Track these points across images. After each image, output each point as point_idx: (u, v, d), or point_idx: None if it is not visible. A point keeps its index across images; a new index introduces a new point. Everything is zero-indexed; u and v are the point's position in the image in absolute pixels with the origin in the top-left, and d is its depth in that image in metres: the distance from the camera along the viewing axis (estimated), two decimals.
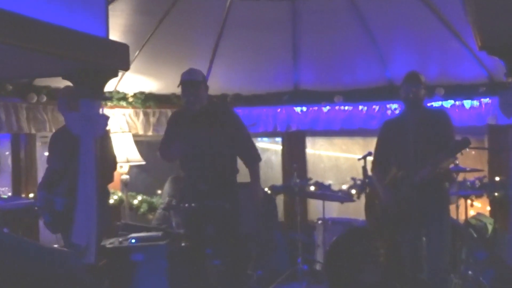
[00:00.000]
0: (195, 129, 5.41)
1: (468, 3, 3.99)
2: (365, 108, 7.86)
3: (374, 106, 7.78)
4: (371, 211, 5.43)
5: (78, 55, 4.87)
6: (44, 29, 4.48)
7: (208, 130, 5.41)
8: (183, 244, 5.66)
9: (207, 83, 5.59)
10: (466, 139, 4.84)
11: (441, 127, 5.19)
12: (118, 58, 5.43)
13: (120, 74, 7.15)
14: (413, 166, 4.94)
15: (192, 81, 5.41)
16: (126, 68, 5.55)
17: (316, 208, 7.79)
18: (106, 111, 7.18)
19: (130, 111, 8.00)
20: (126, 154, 7.64)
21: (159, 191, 8.03)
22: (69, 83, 5.34)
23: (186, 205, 5.43)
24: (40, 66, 5.40)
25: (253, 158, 5.65)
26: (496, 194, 7.23)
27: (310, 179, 7.58)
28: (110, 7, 5.70)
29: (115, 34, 6.33)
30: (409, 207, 5.02)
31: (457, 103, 7.62)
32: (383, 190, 5.21)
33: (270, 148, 8.80)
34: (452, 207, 6.56)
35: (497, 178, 7.21)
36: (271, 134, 8.46)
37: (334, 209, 7.71)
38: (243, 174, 5.68)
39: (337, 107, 8.01)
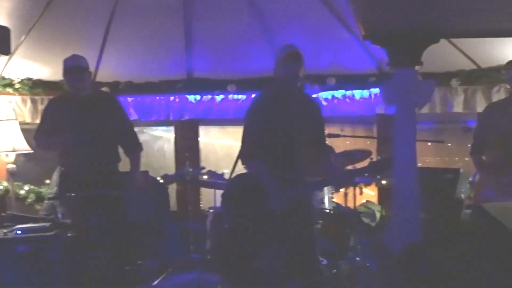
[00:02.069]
0: (79, 117, 5.29)
1: None
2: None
3: None
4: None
5: None
6: None
7: (91, 118, 5.32)
8: (69, 235, 5.54)
9: (97, 70, 5.49)
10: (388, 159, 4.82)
11: (317, 119, 4.87)
12: None
13: (4, 59, 6.97)
14: (288, 156, 4.60)
15: (78, 67, 5.31)
16: (6, 52, 5.37)
17: (209, 197, 7.78)
18: None
19: (17, 98, 7.77)
20: (12, 142, 7.41)
21: (47, 181, 7.81)
22: None
23: (73, 194, 5.34)
24: None
25: (134, 147, 5.61)
26: (384, 182, 7.41)
27: (203, 168, 7.55)
28: None
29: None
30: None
31: (348, 93, 7.78)
32: (273, 187, 4.59)
33: (163, 136, 8.74)
34: (341, 195, 6.76)
35: None
36: (163, 123, 8.40)
37: None
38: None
39: (230, 96, 8.01)
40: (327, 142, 5.09)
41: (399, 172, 4.87)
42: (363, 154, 6.61)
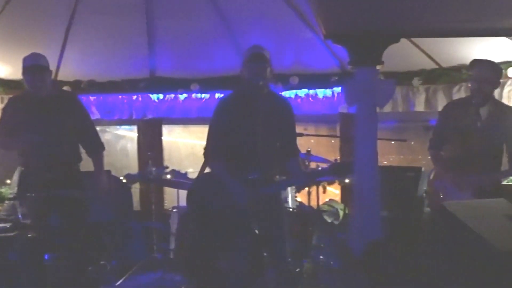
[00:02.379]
0: (39, 116, 5.25)
1: None
2: (222, 96, 7.84)
3: None
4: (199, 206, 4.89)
5: None
6: None
7: (51, 117, 5.28)
8: (29, 235, 5.48)
9: (58, 69, 5.43)
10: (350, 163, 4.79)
11: (286, 119, 4.90)
12: None
13: None
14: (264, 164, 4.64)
15: (38, 66, 5.27)
16: None
17: (173, 197, 7.74)
18: None
19: None
20: None
21: (8, 181, 7.70)
22: None
23: (33, 194, 5.29)
24: None
25: (96, 147, 5.59)
26: (346, 180, 7.44)
27: (167, 167, 7.50)
28: None
29: None
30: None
31: (311, 92, 7.78)
32: (235, 186, 4.60)
33: (126, 136, 8.69)
34: (304, 193, 6.77)
35: None
36: (126, 122, 8.35)
37: None
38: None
39: (193, 95, 7.97)
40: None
41: (360, 170, 4.90)
42: None
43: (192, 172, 7.61)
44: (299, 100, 7.76)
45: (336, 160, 6.86)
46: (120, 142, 8.57)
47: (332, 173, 4.75)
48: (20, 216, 6.49)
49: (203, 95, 7.94)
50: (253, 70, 4.63)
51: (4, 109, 5.68)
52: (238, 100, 4.83)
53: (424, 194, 6.28)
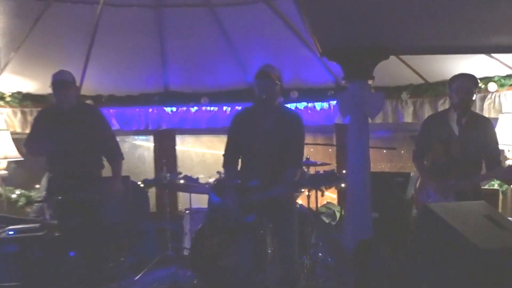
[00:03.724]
0: (64, 127, 5.25)
1: (304, 13, 4.03)
2: (229, 108, 7.81)
3: (237, 107, 7.72)
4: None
5: None
6: None
7: (76, 128, 5.27)
8: (56, 234, 5.46)
9: (81, 85, 5.42)
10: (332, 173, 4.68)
11: (293, 132, 4.82)
12: None
13: None
14: (255, 166, 4.65)
15: (63, 81, 5.29)
16: None
17: (185, 200, 7.71)
18: None
19: (8, 110, 7.62)
20: (4, 150, 7.32)
21: (37, 186, 7.68)
22: None
23: (60, 198, 5.29)
24: None
25: (115, 156, 5.55)
26: (342, 185, 7.37)
27: (180, 173, 7.46)
28: None
29: None
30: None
31: (309, 105, 7.76)
32: (227, 190, 4.66)
33: (143, 145, 8.66)
34: (304, 197, 6.73)
35: (344, 171, 7.31)
36: (143, 132, 8.30)
37: (203, 199, 7.62)
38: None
39: (203, 108, 7.94)
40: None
41: (353, 176, 4.88)
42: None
43: (203, 177, 7.57)
44: (299, 111, 7.70)
45: (318, 172, 6.79)
46: (138, 150, 8.55)
47: (315, 181, 4.61)
48: (47, 217, 6.48)
49: (212, 108, 7.91)
50: (258, 86, 4.69)
51: (35, 119, 5.67)
52: (248, 114, 4.90)
53: (412, 197, 6.22)
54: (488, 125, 5.24)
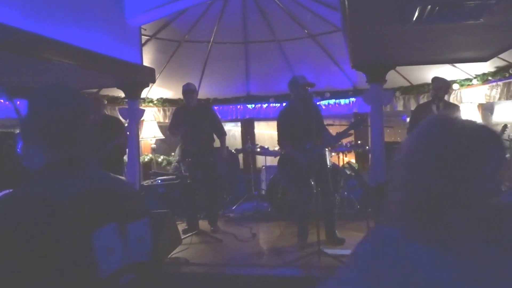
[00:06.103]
0: (191, 118, 5.24)
1: (348, 44, 3.88)
2: (279, 105, 7.65)
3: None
4: (283, 168, 4.59)
5: (127, 74, 4.71)
6: (111, 60, 4.31)
7: (198, 118, 5.25)
8: (188, 182, 5.50)
9: (198, 91, 5.40)
10: (362, 118, 4.55)
11: (319, 114, 4.63)
12: (148, 76, 5.27)
13: (149, 86, 6.95)
14: (313, 138, 4.37)
15: (189, 90, 5.26)
16: (153, 82, 5.39)
17: (261, 160, 7.67)
18: (142, 107, 6.93)
19: (155, 109, 7.68)
20: (154, 132, 7.44)
21: (172, 153, 7.80)
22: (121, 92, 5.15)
23: (189, 159, 5.30)
24: (105, 81, 5.16)
25: (221, 133, 5.47)
26: (359, 150, 7.22)
27: (257, 144, 7.43)
28: (143, 48, 5.55)
29: (147, 62, 6.10)
30: (314, 164, 4.43)
31: (337, 101, 7.49)
32: (298, 155, 4.39)
33: (233, 129, 8.65)
34: (334, 158, 6.57)
35: (359, 142, 7.12)
36: (234, 120, 8.21)
37: (271, 160, 7.58)
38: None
39: (271, 105, 7.74)
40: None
41: (374, 142, 4.70)
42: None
43: (270, 147, 7.53)
44: (330, 106, 7.50)
45: (351, 121, 6.54)
46: (231, 131, 8.52)
47: (351, 128, 4.39)
48: (182, 171, 6.57)
49: (276, 104, 7.74)
50: (302, 90, 4.46)
51: (173, 114, 5.63)
52: (291, 107, 4.64)
53: None
54: (456, 108, 5.05)
